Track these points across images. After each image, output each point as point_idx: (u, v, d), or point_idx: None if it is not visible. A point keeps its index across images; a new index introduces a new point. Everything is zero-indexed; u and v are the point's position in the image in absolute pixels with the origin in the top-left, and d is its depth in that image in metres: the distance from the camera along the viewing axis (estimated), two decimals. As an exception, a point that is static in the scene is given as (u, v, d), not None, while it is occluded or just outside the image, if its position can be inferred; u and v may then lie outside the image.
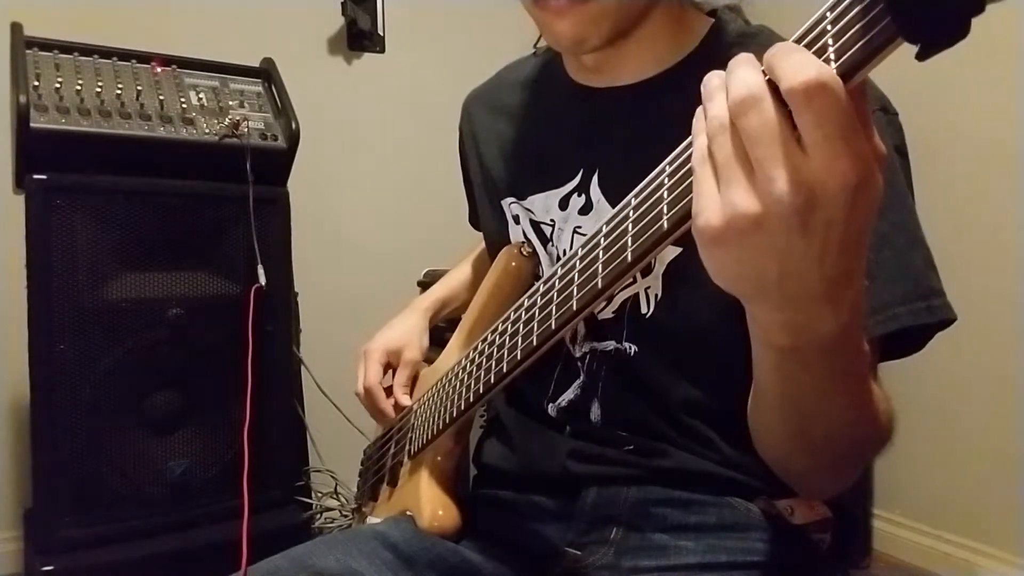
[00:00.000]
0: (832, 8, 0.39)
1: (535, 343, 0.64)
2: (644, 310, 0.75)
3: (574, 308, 0.58)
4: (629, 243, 0.51)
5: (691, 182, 0.44)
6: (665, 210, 0.47)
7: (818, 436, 0.57)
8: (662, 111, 0.74)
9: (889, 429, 0.60)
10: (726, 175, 0.41)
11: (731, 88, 0.41)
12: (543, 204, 0.83)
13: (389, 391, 0.98)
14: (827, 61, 0.38)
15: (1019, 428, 1.75)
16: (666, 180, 0.48)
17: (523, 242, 0.85)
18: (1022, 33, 1.59)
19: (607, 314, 0.77)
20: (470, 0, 2.38)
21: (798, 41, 0.40)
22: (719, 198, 0.41)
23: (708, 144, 0.42)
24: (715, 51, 0.74)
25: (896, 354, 0.65)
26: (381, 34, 2.32)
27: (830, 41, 0.38)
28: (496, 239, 0.89)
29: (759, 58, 0.41)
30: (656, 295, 0.74)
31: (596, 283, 0.55)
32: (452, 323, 0.95)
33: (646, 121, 0.76)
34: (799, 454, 0.61)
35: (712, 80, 0.43)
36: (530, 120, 0.88)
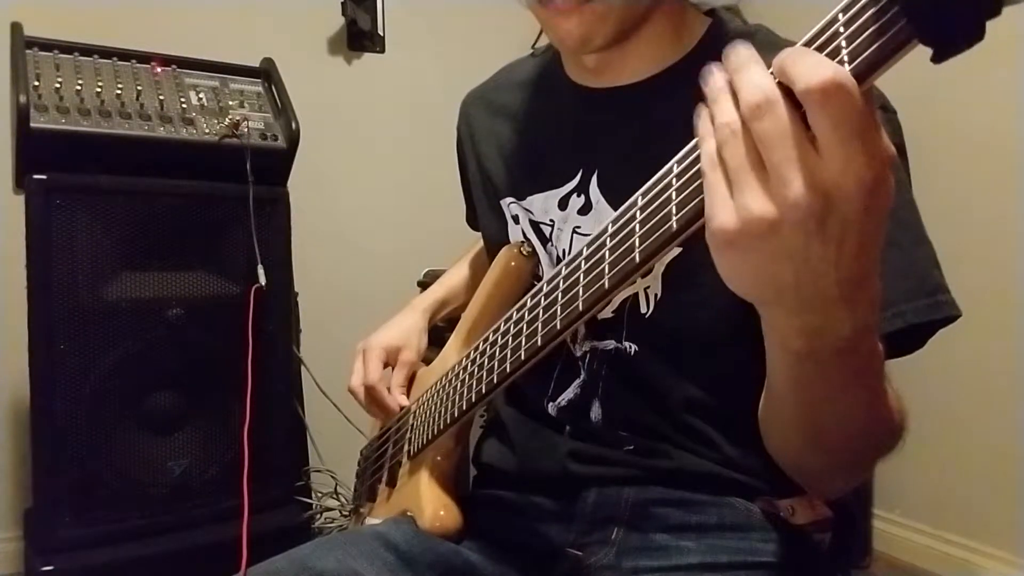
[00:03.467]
0: (845, 10, 0.38)
1: (539, 343, 0.64)
2: (644, 310, 0.75)
3: (580, 309, 0.58)
4: (637, 244, 0.51)
5: (700, 183, 0.44)
6: (674, 211, 0.47)
7: (833, 437, 0.57)
8: (661, 111, 0.74)
9: (902, 427, 0.60)
10: (739, 180, 0.41)
11: (743, 93, 0.40)
12: (542, 204, 0.83)
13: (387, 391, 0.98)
14: (841, 63, 0.38)
15: (1019, 428, 1.76)
16: (674, 181, 0.48)
17: (523, 241, 0.85)
18: (1022, 32, 1.59)
19: (607, 313, 0.77)
20: (470, 0, 2.38)
21: (810, 43, 0.40)
22: (732, 202, 0.41)
23: (718, 149, 0.42)
24: (713, 50, 0.74)
25: (898, 352, 0.65)
26: (381, 34, 2.32)
27: (843, 43, 0.38)
28: (495, 239, 0.89)
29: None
30: (656, 295, 0.74)
31: (603, 284, 0.55)
32: (452, 323, 0.95)
33: (645, 121, 0.76)
34: (814, 456, 0.61)
35: (715, 79, 0.43)
36: (529, 120, 0.88)
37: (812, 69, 0.37)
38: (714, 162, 0.42)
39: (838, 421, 0.55)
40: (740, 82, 0.41)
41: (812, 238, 0.40)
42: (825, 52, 0.39)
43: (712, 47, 0.75)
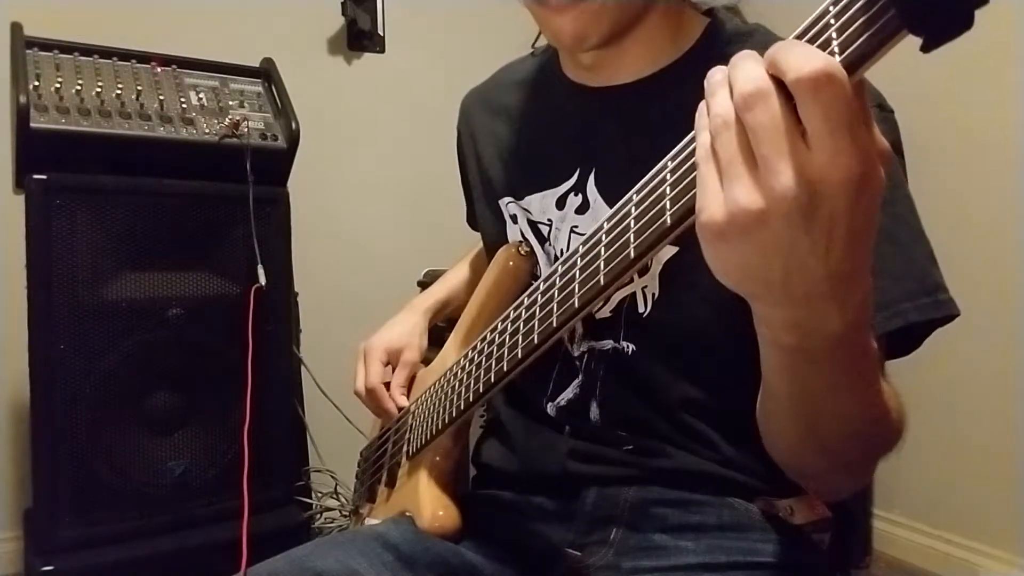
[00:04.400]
0: (835, 2, 0.39)
1: (536, 341, 0.64)
2: (641, 309, 0.75)
3: (576, 305, 0.58)
4: (632, 239, 0.51)
5: (694, 177, 0.44)
6: (668, 206, 0.47)
7: (830, 436, 0.57)
8: (659, 110, 0.74)
9: (901, 426, 0.59)
10: (729, 171, 0.41)
11: (736, 83, 0.41)
12: (540, 204, 0.83)
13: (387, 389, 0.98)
14: (831, 54, 0.38)
15: (1019, 428, 1.75)
16: (668, 176, 0.48)
17: (521, 241, 0.85)
18: (1021, 31, 1.59)
19: (604, 313, 0.77)
20: (470, 1, 2.38)
21: (801, 35, 0.40)
22: (722, 194, 0.41)
23: (711, 141, 0.42)
24: (712, 50, 0.74)
25: (896, 352, 0.65)
26: (381, 34, 2.32)
27: (834, 35, 0.38)
28: (494, 239, 0.89)
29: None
30: (653, 294, 0.74)
31: (598, 280, 0.55)
32: (452, 323, 0.95)
33: (643, 120, 0.76)
34: (812, 455, 0.60)
35: (715, 75, 0.43)
36: (527, 120, 0.88)
37: (803, 60, 0.37)
38: (707, 154, 0.42)
39: (834, 419, 0.55)
40: (735, 74, 0.41)
41: (799, 231, 0.40)
42: (816, 44, 0.39)
43: (710, 47, 0.75)
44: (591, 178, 0.79)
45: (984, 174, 1.83)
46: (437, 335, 1.02)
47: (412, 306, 1.04)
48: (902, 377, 0.60)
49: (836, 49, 0.38)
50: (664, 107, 0.74)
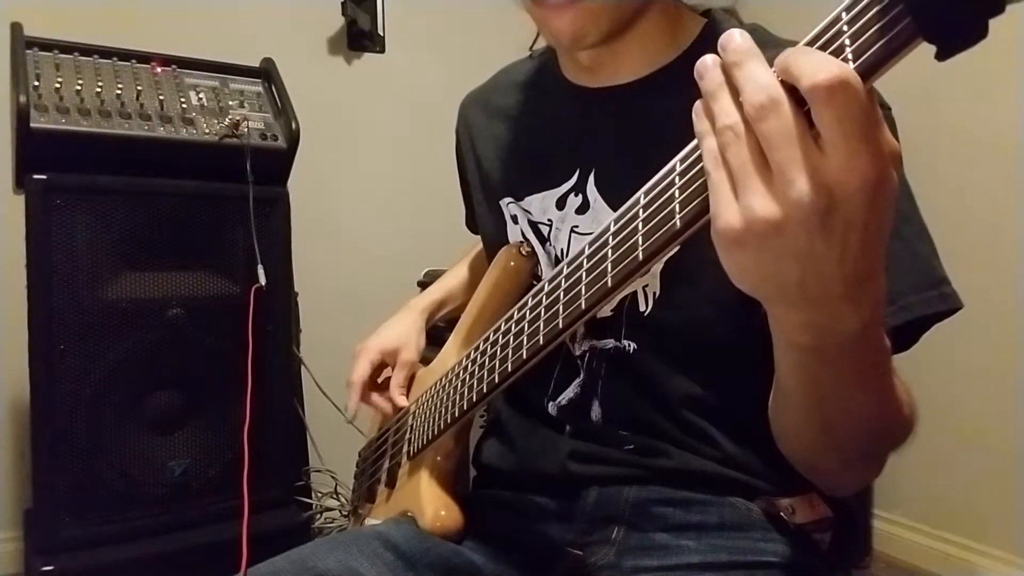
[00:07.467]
0: (848, 9, 0.39)
1: (541, 342, 0.64)
2: (642, 308, 0.75)
3: (583, 307, 0.58)
4: (640, 242, 0.51)
5: (703, 181, 0.44)
6: (677, 209, 0.47)
7: (843, 433, 0.57)
8: (657, 110, 0.74)
9: (912, 420, 0.60)
10: (743, 180, 0.41)
11: (746, 92, 0.41)
12: (540, 204, 0.83)
13: (385, 386, 0.98)
14: (845, 61, 0.38)
15: (1019, 428, 1.76)
16: (677, 179, 0.48)
17: (522, 242, 0.85)
18: (1021, 31, 1.60)
19: (605, 312, 0.77)
20: (470, 1, 2.38)
21: (813, 41, 0.40)
22: (736, 202, 0.41)
23: (721, 149, 0.42)
24: (709, 50, 0.74)
25: (896, 347, 0.65)
26: (381, 34, 2.32)
27: (847, 41, 0.39)
28: (495, 240, 0.89)
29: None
30: (654, 293, 0.74)
31: (606, 282, 0.55)
32: (452, 323, 0.95)
33: (641, 120, 0.76)
34: (825, 452, 0.61)
35: (711, 73, 0.43)
36: (526, 121, 0.88)
37: (817, 66, 0.37)
38: (718, 162, 0.42)
39: (848, 416, 0.55)
40: (742, 79, 0.41)
41: (815, 235, 0.40)
42: (829, 50, 0.39)
43: (707, 47, 0.75)
44: (591, 178, 0.79)
45: (985, 174, 1.84)
46: (437, 335, 1.02)
47: (409, 306, 1.04)
48: (903, 377, 0.60)
49: (850, 56, 0.38)
50: (663, 107, 0.74)
